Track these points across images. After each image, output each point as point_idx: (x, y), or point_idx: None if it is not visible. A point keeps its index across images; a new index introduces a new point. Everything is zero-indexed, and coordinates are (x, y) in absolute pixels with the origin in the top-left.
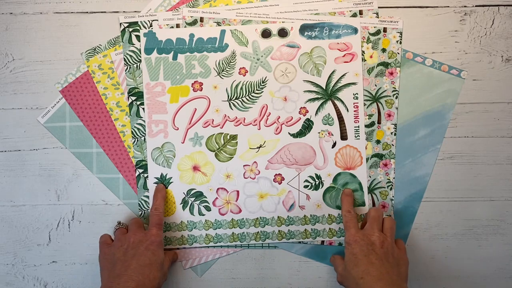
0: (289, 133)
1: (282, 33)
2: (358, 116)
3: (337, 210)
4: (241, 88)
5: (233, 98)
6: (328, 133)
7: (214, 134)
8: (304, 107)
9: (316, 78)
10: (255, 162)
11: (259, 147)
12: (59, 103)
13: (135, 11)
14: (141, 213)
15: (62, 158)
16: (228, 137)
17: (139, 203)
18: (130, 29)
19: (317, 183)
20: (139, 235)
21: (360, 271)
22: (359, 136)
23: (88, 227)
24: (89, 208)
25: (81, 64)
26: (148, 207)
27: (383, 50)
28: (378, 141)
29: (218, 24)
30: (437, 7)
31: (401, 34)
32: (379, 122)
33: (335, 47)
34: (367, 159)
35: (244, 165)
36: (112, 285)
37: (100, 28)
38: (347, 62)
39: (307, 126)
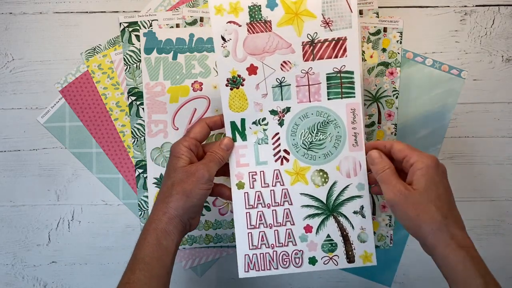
0: None
1: None
2: None
3: None
4: None
5: None
6: None
7: (214, 135)
8: None
9: None
10: None
11: None
12: (58, 103)
13: (135, 11)
14: (141, 213)
15: (62, 158)
16: None
17: (138, 203)
18: (130, 29)
19: None
20: None
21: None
22: None
23: (88, 227)
24: (89, 208)
25: (81, 64)
26: (148, 207)
27: (383, 50)
28: None
29: None
30: (437, 7)
31: (401, 34)
32: (379, 122)
33: None
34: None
35: None
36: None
37: (100, 28)
38: None
39: None
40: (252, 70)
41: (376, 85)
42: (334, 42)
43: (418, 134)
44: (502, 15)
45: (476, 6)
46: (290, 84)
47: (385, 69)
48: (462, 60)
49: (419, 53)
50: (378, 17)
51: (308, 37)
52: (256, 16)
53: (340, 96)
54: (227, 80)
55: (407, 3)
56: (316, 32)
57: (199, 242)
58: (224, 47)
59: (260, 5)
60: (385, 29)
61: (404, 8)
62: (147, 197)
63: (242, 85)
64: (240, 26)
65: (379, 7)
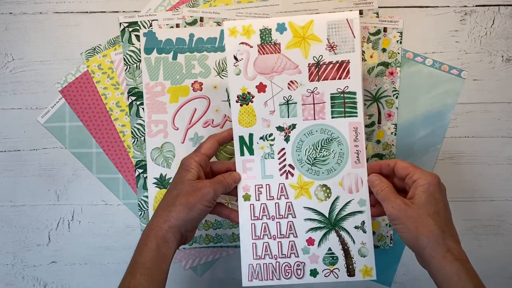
0: None
1: None
2: None
3: None
4: None
5: None
6: None
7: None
8: None
9: None
10: None
11: None
12: (58, 103)
13: (135, 11)
14: (141, 213)
15: (62, 158)
16: None
17: (138, 203)
18: (130, 29)
19: None
20: None
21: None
22: None
23: (88, 227)
24: (89, 208)
25: (81, 64)
26: (148, 207)
27: (384, 50)
28: (378, 141)
29: (218, 24)
30: (437, 7)
31: (401, 34)
32: (379, 122)
33: None
34: (367, 159)
35: None
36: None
37: (100, 28)
38: None
39: None
40: (261, 88)
41: (376, 85)
42: (338, 64)
43: (418, 134)
44: (502, 15)
45: (476, 6)
46: (296, 102)
47: (385, 69)
48: (462, 60)
49: (419, 53)
50: (378, 17)
51: (314, 59)
52: (267, 39)
53: (343, 115)
54: (238, 97)
55: (407, 3)
56: (322, 55)
57: (199, 242)
58: (236, 66)
59: (270, 29)
60: (385, 29)
61: (404, 8)
62: (147, 197)
63: (252, 102)
64: (251, 47)
65: (379, 7)
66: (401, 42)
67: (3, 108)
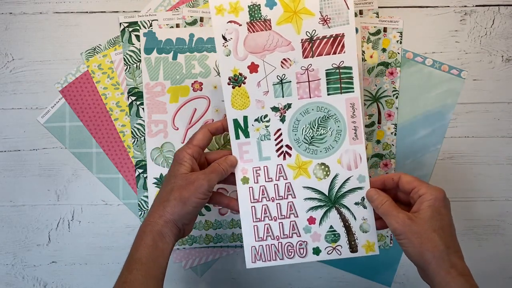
0: None
1: None
2: None
3: None
4: None
5: None
6: None
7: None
8: None
9: None
10: None
11: None
12: (58, 103)
13: (135, 11)
14: (141, 213)
15: (62, 158)
16: (228, 137)
17: (138, 203)
18: (130, 29)
19: None
20: None
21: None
22: None
23: (88, 227)
24: (89, 208)
25: (81, 64)
26: (148, 207)
27: (383, 50)
28: (378, 141)
29: None
30: (437, 7)
31: (401, 34)
32: (379, 122)
33: None
34: (367, 159)
35: None
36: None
37: (100, 28)
38: None
39: None
40: (253, 68)
41: (376, 85)
42: (332, 38)
43: (418, 134)
44: (502, 15)
45: (476, 6)
46: (290, 81)
47: (385, 69)
48: (462, 60)
49: (419, 53)
50: (378, 17)
51: (307, 35)
52: (256, 15)
53: (340, 91)
54: (229, 79)
55: (407, 3)
56: (315, 30)
57: (199, 242)
58: (225, 47)
59: (259, 4)
60: (385, 29)
61: (404, 8)
62: (147, 197)
63: (244, 83)
64: (240, 25)
65: (379, 7)
66: (401, 42)
67: (3, 108)
